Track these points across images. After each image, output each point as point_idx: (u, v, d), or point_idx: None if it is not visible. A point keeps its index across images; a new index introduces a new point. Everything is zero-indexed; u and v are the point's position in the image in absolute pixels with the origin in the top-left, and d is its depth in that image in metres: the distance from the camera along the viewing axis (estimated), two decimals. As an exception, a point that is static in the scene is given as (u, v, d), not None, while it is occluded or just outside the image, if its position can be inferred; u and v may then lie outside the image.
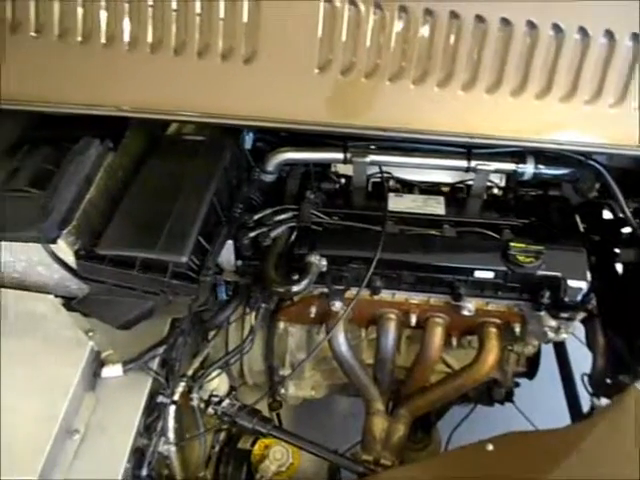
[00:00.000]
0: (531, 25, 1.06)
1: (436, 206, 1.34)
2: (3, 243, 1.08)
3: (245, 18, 1.13)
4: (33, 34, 1.17)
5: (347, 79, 1.14)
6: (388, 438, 1.32)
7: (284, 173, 1.46)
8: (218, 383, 1.38)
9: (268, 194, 1.39)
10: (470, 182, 1.37)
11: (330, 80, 1.15)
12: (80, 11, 1.16)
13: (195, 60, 1.15)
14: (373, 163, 1.36)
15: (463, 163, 1.30)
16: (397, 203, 1.35)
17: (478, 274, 1.20)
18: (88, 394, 1.12)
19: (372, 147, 1.36)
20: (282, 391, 1.54)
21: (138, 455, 1.12)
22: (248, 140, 1.38)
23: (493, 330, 1.28)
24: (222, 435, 1.50)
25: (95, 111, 1.20)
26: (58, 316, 1.15)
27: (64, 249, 1.09)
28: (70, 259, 1.11)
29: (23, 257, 1.14)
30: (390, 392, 1.40)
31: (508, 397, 1.56)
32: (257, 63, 1.15)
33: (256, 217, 1.28)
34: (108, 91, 1.20)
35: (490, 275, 1.19)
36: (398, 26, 1.10)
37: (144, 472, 1.12)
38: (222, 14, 1.13)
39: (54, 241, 1.02)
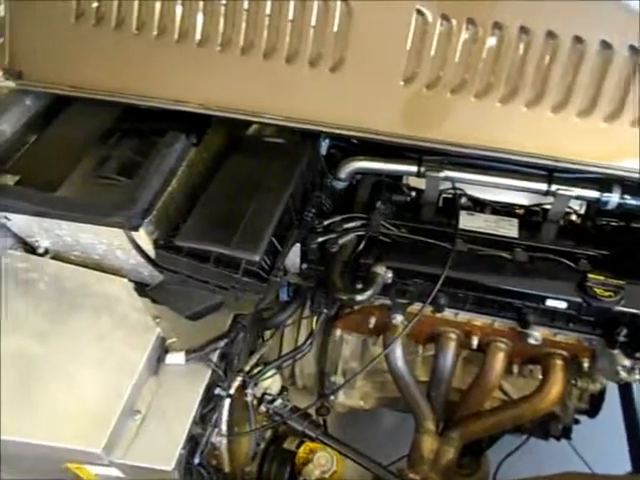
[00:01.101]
0: None
1: (509, 228, 1.31)
2: (88, 226, 1.14)
3: (336, 27, 1.15)
4: (135, 31, 1.23)
5: (431, 93, 1.13)
6: (436, 459, 1.30)
7: (354, 181, 1.46)
8: (271, 382, 1.40)
9: (338, 201, 1.39)
10: (547, 206, 1.32)
11: (414, 93, 1.15)
12: (179, 11, 1.22)
13: (283, 65, 1.18)
14: (447, 179, 1.34)
15: (543, 186, 1.26)
16: (468, 221, 1.33)
17: (550, 303, 1.15)
18: (151, 378, 1.16)
19: (447, 162, 1.35)
20: (331, 397, 1.54)
21: (192, 443, 1.16)
22: (324, 146, 1.40)
23: (559, 363, 1.23)
24: (268, 433, 1.52)
25: (182, 107, 1.25)
26: (130, 299, 1.21)
27: (143, 237, 1.14)
28: (148, 247, 1.16)
29: (105, 240, 1.20)
30: (442, 413, 1.37)
31: (565, 433, 1.49)
32: (343, 71, 1.16)
33: (325, 223, 1.29)
34: (196, 89, 1.24)
35: (563, 305, 1.15)
36: (490, 43, 1.09)
37: (196, 460, 1.15)
38: (314, 22, 1.15)
39: (136, 229, 1.07)
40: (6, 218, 1.22)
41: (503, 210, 1.39)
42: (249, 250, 1.03)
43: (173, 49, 1.23)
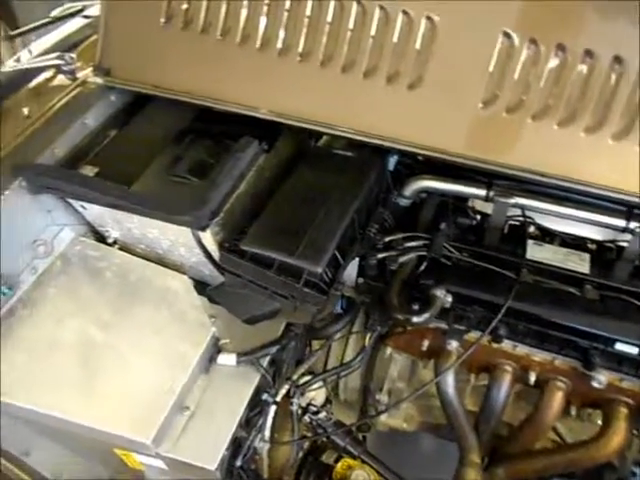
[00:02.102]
0: None
1: (579, 263, 1.25)
2: (157, 221, 1.17)
3: (418, 45, 1.14)
4: (219, 37, 1.27)
5: (511, 117, 1.10)
6: (479, 494, 1.25)
7: (418, 199, 1.44)
8: (316, 393, 1.39)
9: (401, 218, 1.38)
10: (623, 244, 1.25)
11: (492, 116, 1.12)
12: (263, 22, 1.24)
13: (360, 79, 1.18)
14: (516, 205, 1.30)
15: (620, 222, 1.20)
16: (535, 251, 1.28)
17: (620, 347, 1.09)
18: (202, 375, 1.19)
19: (517, 188, 1.30)
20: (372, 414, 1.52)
21: (236, 445, 1.17)
22: (391, 162, 1.38)
23: (623, 410, 1.16)
24: (306, 443, 1.51)
25: (256, 113, 1.27)
26: (189, 296, 1.24)
27: (208, 238, 1.16)
28: (212, 247, 1.18)
29: (171, 237, 1.23)
30: (489, 447, 1.32)
31: (620, 485, 1.40)
32: (421, 89, 1.15)
33: (387, 239, 1.28)
34: (272, 97, 1.26)
35: (634, 351, 1.08)
36: (579, 70, 1.04)
37: (238, 463, 1.16)
38: (396, 39, 1.15)
39: (204, 229, 1.09)
40: (82, 207, 1.28)
41: (573, 243, 1.33)
42: (312, 261, 1.03)
43: (254, 57, 1.25)
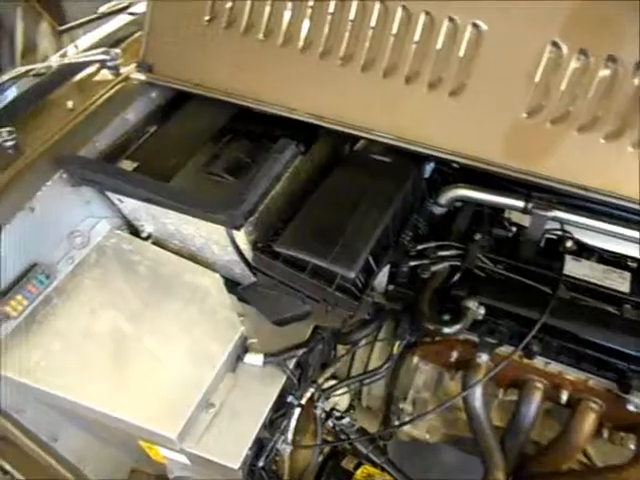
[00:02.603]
0: None
1: (619, 281, 1.21)
2: (192, 218, 1.18)
3: (462, 52, 1.12)
4: (261, 38, 1.28)
5: (556, 128, 1.08)
6: (503, 512, 1.22)
7: (453, 208, 1.42)
8: (339, 398, 1.39)
9: (434, 226, 1.36)
10: (666, 264, 1.21)
11: (536, 126, 1.09)
12: (306, 24, 1.24)
13: (401, 84, 1.17)
14: (555, 219, 1.27)
15: (664, 242, 1.16)
16: (573, 267, 1.24)
17: (659, 370, 1.05)
18: (229, 374, 1.19)
19: (557, 201, 1.27)
20: (397, 424, 1.50)
21: (258, 446, 1.17)
22: (428, 169, 1.37)
23: (659, 437, 1.12)
24: (326, 448, 1.50)
25: (295, 115, 1.27)
26: (220, 294, 1.25)
27: (242, 237, 1.17)
28: (245, 247, 1.18)
29: (204, 234, 1.24)
30: (514, 464, 1.29)
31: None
32: (463, 97, 1.13)
33: (420, 247, 1.26)
34: (312, 100, 1.26)
35: (674, 376, 1.04)
36: (631, 82, 1.01)
37: (260, 463, 1.16)
38: (440, 45, 1.13)
39: (239, 228, 1.10)
40: (119, 200, 1.30)
41: (613, 261, 1.29)
42: (346, 266, 1.02)
43: (295, 59, 1.25)
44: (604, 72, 1.02)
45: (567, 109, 1.06)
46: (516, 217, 1.41)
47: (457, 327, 1.13)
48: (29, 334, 1.15)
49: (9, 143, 1.21)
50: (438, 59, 1.14)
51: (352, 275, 1.02)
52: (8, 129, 1.21)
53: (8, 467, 1.33)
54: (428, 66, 1.15)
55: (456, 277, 1.20)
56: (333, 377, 1.41)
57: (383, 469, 1.29)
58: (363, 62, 1.20)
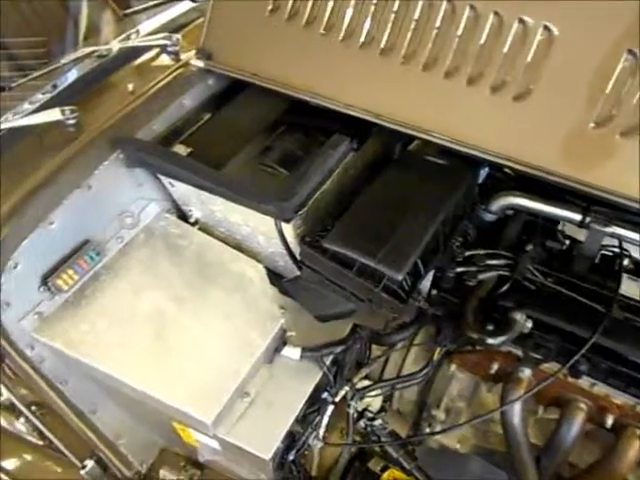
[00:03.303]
0: None
1: (678, 306, 1.15)
2: (241, 207, 1.19)
3: (530, 56, 1.08)
4: (322, 32, 1.27)
5: (626, 141, 1.03)
6: (533, 532, 1.19)
7: (504, 216, 1.38)
8: (372, 399, 1.37)
9: (483, 233, 1.32)
10: None
11: (604, 138, 1.04)
12: (368, 20, 1.23)
13: (463, 86, 1.14)
14: (613, 235, 1.21)
15: None
16: (629, 287, 1.19)
17: None
18: (266, 365, 1.19)
19: (616, 217, 1.21)
20: (427, 430, 1.48)
21: (290, 439, 1.17)
22: (482, 174, 1.33)
23: None
24: (354, 447, 1.49)
25: (351, 111, 1.26)
26: (262, 285, 1.25)
27: (289, 230, 1.17)
28: (291, 240, 1.18)
29: (251, 224, 1.25)
30: (548, 484, 1.25)
31: None
32: (527, 103, 1.09)
33: (467, 254, 1.23)
34: (370, 97, 1.24)
35: None
36: None
37: (291, 457, 1.16)
38: (507, 47, 1.10)
39: (289, 221, 1.10)
40: (171, 184, 1.32)
41: (672, 283, 1.23)
42: (394, 267, 1.01)
43: (355, 55, 1.24)
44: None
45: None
46: (570, 230, 1.36)
47: (502, 339, 1.10)
48: (77, 308, 1.18)
49: (71, 121, 1.25)
50: (504, 62, 1.10)
51: (400, 277, 1.00)
52: (70, 108, 1.24)
53: (49, 434, 1.39)
54: (493, 68, 1.11)
55: (504, 287, 1.17)
56: (367, 378, 1.40)
57: (412, 475, 1.27)
58: (425, 61, 1.17)
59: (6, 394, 1.27)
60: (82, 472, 1.37)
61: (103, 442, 1.35)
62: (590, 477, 1.20)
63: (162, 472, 1.39)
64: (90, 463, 1.37)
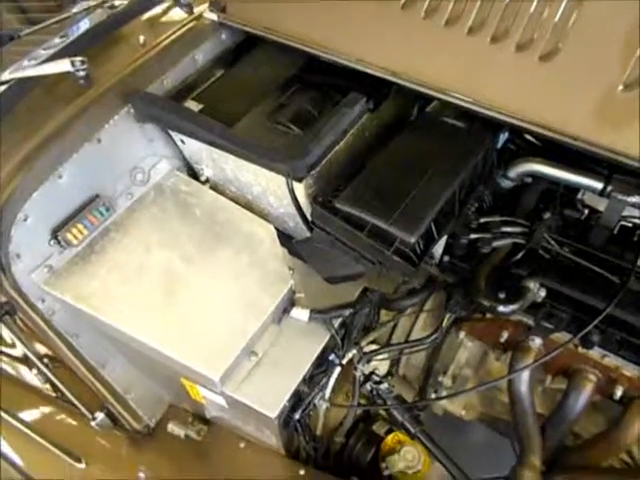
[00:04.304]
0: None
1: (698, 280, 1.12)
2: (253, 166, 1.17)
3: (560, 12, 1.02)
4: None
5: (656, 106, 0.98)
6: (535, 499, 1.20)
7: (521, 183, 1.34)
8: (379, 363, 1.38)
9: (499, 200, 1.29)
10: None
11: (633, 101, 1.00)
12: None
13: (487, 44, 1.09)
14: (635, 205, 1.18)
15: None
16: (647, 259, 1.16)
17: None
18: (274, 326, 1.19)
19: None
20: (433, 396, 1.48)
21: (296, 399, 1.18)
22: (501, 139, 1.29)
23: None
24: (359, 410, 1.51)
25: (368, 69, 1.21)
26: (272, 245, 1.24)
27: (301, 190, 1.14)
28: (302, 200, 1.16)
29: (263, 183, 1.23)
30: (551, 453, 1.25)
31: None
32: (554, 63, 1.04)
33: (482, 220, 1.21)
34: (388, 54, 1.19)
35: None
36: None
37: (297, 416, 1.17)
38: (534, 5, 1.04)
39: (300, 180, 1.07)
40: (182, 141, 1.30)
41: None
42: (407, 230, 0.99)
43: (373, 9, 1.19)
44: None
45: (671, 85, 0.96)
46: (589, 200, 1.32)
47: (514, 307, 1.08)
48: (87, 263, 1.18)
49: (81, 73, 1.22)
50: (531, 19, 1.05)
51: (412, 240, 0.98)
52: (80, 59, 1.21)
53: (60, 386, 1.42)
54: (519, 25, 1.06)
55: (519, 255, 1.14)
56: (374, 342, 1.40)
57: (417, 438, 1.28)
58: (447, 17, 1.12)
59: (20, 347, 1.29)
60: (93, 423, 1.39)
61: (113, 395, 1.37)
62: (595, 446, 1.20)
63: (170, 426, 1.41)
64: (100, 415, 1.39)
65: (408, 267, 0.99)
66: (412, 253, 1.00)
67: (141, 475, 1.41)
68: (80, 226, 1.16)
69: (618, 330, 1.09)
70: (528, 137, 1.36)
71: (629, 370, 1.13)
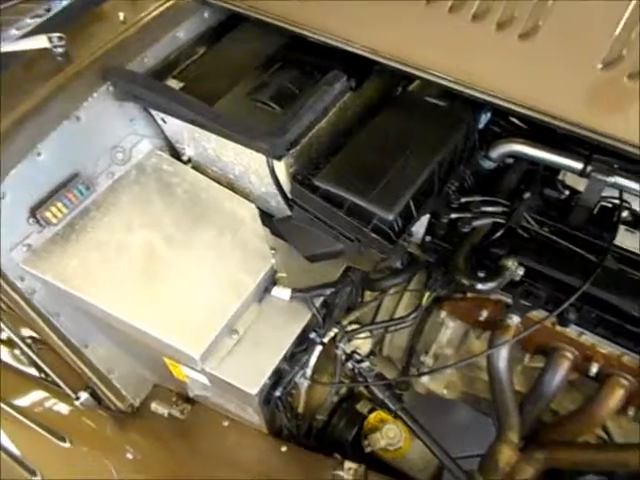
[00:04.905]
0: None
1: (674, 259, 1.14)
2: (232, 144, 1.16)
3: (539, -9, 1.02)
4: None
5: (633, 84, 0.98)
6: (512, 474, 1.22)
7: (503, 164, 1.35)
8: (362, 343, 1.39)
9: (481, 181, 1.30)
10: None
11: (611, 80, 1.00)
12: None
13: (468, 22, 1.09)
14: (614, 185, 1.19)
15: None
16: (626, 239, 1.17)
17: (702, 354, 1.00)
18: (255, 304, 1.20)
19: (619, 167, 1.18)
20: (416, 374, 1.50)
21: (277, 376, 1.19)
22: (483, 119, 1.29)
23: (690, 422, 1.08)
24: (343, 389, 1.52)
25: (349, 47, 1.20)
26: (254, 225, 1.24)
27: (281, 168, 1.14)
28: (283, 179, 1.16)
29: (244, 163, 1.22)
30: (529, 430, 1.28)
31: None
32: (533, 41, 1.04)
33: (463, 200, 1.21)
34: (370, 32, 1.18)
35: None
36: None
37: (277, 393, 1.18)
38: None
39: (279, 158, 1.07)
40: (163, 120, 1.29)
41: (671, 237, 1.21)
42: (385, 207, 0.99)
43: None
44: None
45: (650, 63, 0.96)
46: (572, 181, 1.33)
47: (492, 285, 1.09)
48: (67, 242, 1.18)
49: (59, 50, 1.20)
50: (511, -4, 1.05)
51: (390, 217, 0.99)
52: (58, 35, 1.19)
53: (44, 366, 1.42)
54: (500, 3, 1.06)
55: (498, 234, 1.15)
56: (357, 323, 1.41)
57: (398, 416, 1.30)
58: (428, -4, 1.11)
59: (3, 327, 1.30)
60: (77, 403, 1.40)
61: (96, 375, 1.37)
62: (570, 422, 1.22)
63: (153, 405, 1.42)
64: (84, 395, 1.40)
65: (385, 244, 0.99)
66: (390, 230, 1.00)
67: (129, 456, 1.42)
68: (59, 204, 1.15)
69: (594, 308, 1.10)
70: (513, 120, 1.36)
71: (605, 348, 1.14)
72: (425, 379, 1.51)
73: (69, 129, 1.16)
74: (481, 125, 1.31)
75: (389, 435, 1.38)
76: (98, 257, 1.17)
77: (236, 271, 1.17)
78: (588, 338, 1.16)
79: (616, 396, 1.14)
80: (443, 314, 1.37)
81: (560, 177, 1.32)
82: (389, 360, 1.63)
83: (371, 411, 1.47)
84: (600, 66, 1.00)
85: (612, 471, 1.31)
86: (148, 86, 1.21)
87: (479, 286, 1.10)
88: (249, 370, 1.13)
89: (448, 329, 1.41)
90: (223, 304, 1.13)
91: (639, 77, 0.97)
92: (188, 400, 1.44)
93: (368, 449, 1.38)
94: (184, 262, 1.18)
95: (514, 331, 1.17)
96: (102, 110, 1.22)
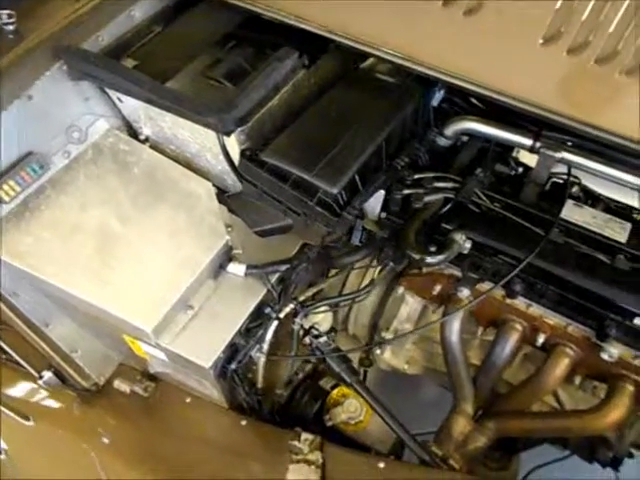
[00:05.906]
0: None
1: (618, 231, 1.16)
2: (186, 122, 1.16)
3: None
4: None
5: (573, 59, 1.00)
6: (465, 443, 1.26)
7: (459, 142, 1.37)
8: (322, 319, 1.41)
9: (436, 158, 1.31)
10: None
11: (552, 55, 1.02)
12: None
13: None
14: (563, 161, 1.21)
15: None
16: (574, 213, 1.20)
17: (639, 322, 1.03)
18: (210, 280, 1.21)
19: (568, 143, 1.21)
20: (377, 352, 1.53)
21: (232, 350, 1.21)
22: (437, 97, 1.31)
23: (629, 388, 1.11)
24: (308, 366, 1.55)
25: (304, 24, 1.21)
26: (210, 203, 1.25)
27: (233, 145, 1.15)
28: (235, 156, 1.17)
29: (199, 140, 1.23)
30: (484, 400, 1.31)
31: (614, 464, 1.37)
32: (478, 18, 1.06)
33: (416, 176, 1.23)
34: (323, 10, 1.19)
35: (654, 329, 1.02)
36: None
37: (232, 366, 1.20)
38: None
39: (229, 134, 1.08)
40: (119, 99, 1.29)
41: (618, 211, 1.23)
42: (329, 181, 1.00)
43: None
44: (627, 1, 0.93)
45: (587, 39, 0.98)
46: (528, 159, 1.35)
47: (440, 257, 1.11)
48: (21, 221, 1.18)
49: (9, 27, 1.19)
50: (457, -29, 1.06)
51: (334, 191, 1.00)
52: (8, 12, 1.18)
53: (8, 349, 1.43)
54: (445, -21, 1.07)
55: (446, 209, 1.17)
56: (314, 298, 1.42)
57: (352, 387, 1.32)
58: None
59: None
60: (40, 382, 1.41)
61: (58, 354, 1.38)
62: (521, 392, 1.25)
63: (116, 382, 1.43)
64: (47, 374, 1.41)
65: (330, 217, 1.01)
66: (335, 204, 1.02)
67: (105, 440, 1.43)
68: (12, 182, 1.15)
69: (539, 279, 1.13)
70: (472, 100, 1.38)
71: (551, 319, 1.17)
72: (387, 355, 1.55)
73: (21, 108, 1.15)
74: (435, 103, 1.32)
75: (350, 409, 1.41)
76: (53, 235, 1.17)
77: (190, 248, 1.18)
78: (536, 310, 1.18)
79: (562, 365, 1.17)
80: (401, 290, 1.39)
81: (515, 154, 1.35)
82: (355, 338, 1.66)
83: (334, 387, 1.49)
84: (541, 41, 1.02)
85: (566, 438, 1.35)
86: (101, 64, 1.20)
87: (428, 259, 1.12)
88: (203, 344, 1.15)
89: (407, 305, 1.44)
90: (176, 280, 1.14)
91: (578, 52, 0.99)
92: (152, 378, 1.46)
93: (329, 423, 1.41)
94: (139, 240, 1.18)
95: (465, 304, 1.19)
96: (55, 89, 1.21)
